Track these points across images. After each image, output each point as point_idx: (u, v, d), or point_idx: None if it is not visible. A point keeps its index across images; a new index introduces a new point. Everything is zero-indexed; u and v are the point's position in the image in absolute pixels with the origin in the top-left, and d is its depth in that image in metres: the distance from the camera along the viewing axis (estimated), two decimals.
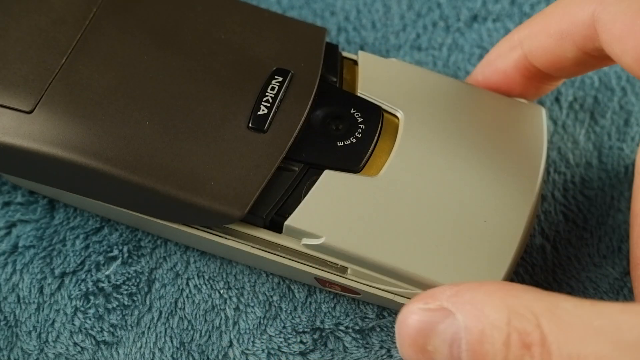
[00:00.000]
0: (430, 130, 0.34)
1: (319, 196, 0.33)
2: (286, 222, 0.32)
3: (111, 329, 0.36)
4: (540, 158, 0.35)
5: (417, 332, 0.28)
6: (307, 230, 0.32)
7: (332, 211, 0.32)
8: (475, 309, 0.27)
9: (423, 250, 0.32)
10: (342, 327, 0.36)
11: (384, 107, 0.35)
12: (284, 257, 0.34)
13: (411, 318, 0.28)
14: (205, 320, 0.36)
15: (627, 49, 0.31)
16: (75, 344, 0.35)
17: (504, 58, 0.36)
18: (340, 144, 0.34)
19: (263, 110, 0.34)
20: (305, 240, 0.33)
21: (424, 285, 0.31)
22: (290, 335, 0.35)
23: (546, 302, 0.26)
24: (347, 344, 0.35)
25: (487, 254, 0.32)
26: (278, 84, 0.34)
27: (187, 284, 0.36)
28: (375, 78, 0.36)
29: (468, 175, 0.34)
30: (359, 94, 0.35)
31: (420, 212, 0.33)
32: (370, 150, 0.34)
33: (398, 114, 0.35)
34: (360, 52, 0.37)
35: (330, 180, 0.33)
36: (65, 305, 0.36)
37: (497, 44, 0.36)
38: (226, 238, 0.34)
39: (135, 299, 0.36)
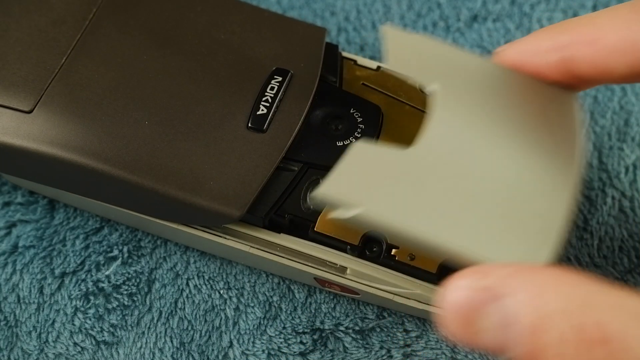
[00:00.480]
0: (466, 104, 0.32)
1: (354, 164, 0.29)
2: (320, 190, 0.28)
3: (111, 329, 0.36)
4: (579, 139, 0.33)
5: (464, 310, 0.26)
6: (343, 199, 0.28)
7: (369, 180, 0.29)
8: (533, 295, 0.25)
9: (466, 225, 0.30)
10: (342, 328, 0.36)
11: (418, 79, 0.32)
12: (284, 257, 0.34)
13: (459, 294, 0.26)
14: (205, 321, 0.36)
15: None
16: (75, 344, 0.35)
17: (542, 56, 0.33)
18: (339, 143, 0.34)
19: (262, 110, 0.34)
20: (339, 213, 0.29)
21: (467, 262, 0.29)
22: (290, 336, 0.35)
23: (609, 296, 0.25)
24: (347, 345, 0.35)
25: (532, 233, 0.30)
26: (277, 84, 0.34)
27: (187, 284, 0.36)
28: (406, 51, 0.33)
29: (509, 151, 0.31)
30: (388, 69, 0.34)
31: (461, 185, 0.30)
32: None
33: (433, 87, 0.32)
34: (384, 27, 0.33)
35: (365, 148, 0.30)
36: (65, 305, 0.36)
37: (538, 36, 0.34)
38: (225, 238, 0.34)
39: (135, 299, 0.36)
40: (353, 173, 0.29)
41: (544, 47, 0.33)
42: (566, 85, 0.34)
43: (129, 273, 0.37)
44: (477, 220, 0.30)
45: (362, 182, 0.29)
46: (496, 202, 0.31)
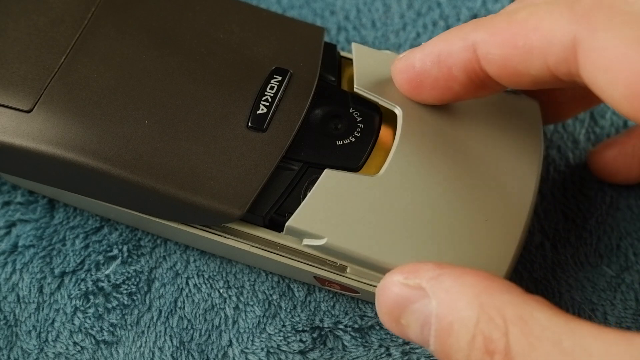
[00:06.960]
0: (428, 127, 0.34)
1: (319, 196, 0.32)
2: (287, 223, 0.32)
3: (111, 329, 0.36)
4: (538, 153, 0.34)
5: (393, 304, 0.29)
6: (309, 230, 0.32)
7: (333, 211, 0.32)
8: (450, 299, 0.27)
9: (425, 250, 0.32)
10: (341, 326, 0.36)
11: (380, 102, 0.34)
12: (284, 256, 0.34)
13: (390, 289, 0.29)
14: (205, 320, 0.36)
15: (616, 82, 0.27)
16: (75, 343, 0.35)
17: (453, 56, 0.32)
18: (339, 143, 0.34)
19: (262, 109, 0.34)
20: (307, 241, 0.32)
21: None
22: (289, 334, 0.35)
23: (520, 309, 0.26)
24: (346, 343, 0.35)
25: (489, 253, 0.32)
26: (277, 83, 0.34)
27: (187, 283, 0.36)
28: (372, 72, 0.35)
29: (468, 172, 0.33)
30: (355, 90, 0.35)
31: (421, 211, 0.32)
32: (369, 149, 0.34)
33: (396, 111, 0.34)
34: (354, 45, 0.36)
35: (330, 180, 0.32)
36: (65, 304, 0.36)
37: (447, 36, 0.32)
38: (225, 237, 0.34)
39: (134, 298, 0.36)
40: (319, 205, 0.32)
41: (455, 48, 0.32)
42: (473, 92, 0.33)
43: (128, 272, 0.37)
44: (436, 244, 0.32)
45: (326, 214, 0.32)
46: (455, 224, 0.33)
